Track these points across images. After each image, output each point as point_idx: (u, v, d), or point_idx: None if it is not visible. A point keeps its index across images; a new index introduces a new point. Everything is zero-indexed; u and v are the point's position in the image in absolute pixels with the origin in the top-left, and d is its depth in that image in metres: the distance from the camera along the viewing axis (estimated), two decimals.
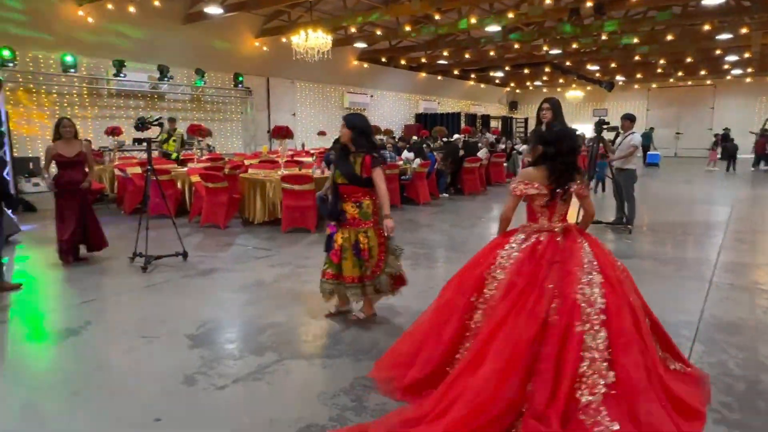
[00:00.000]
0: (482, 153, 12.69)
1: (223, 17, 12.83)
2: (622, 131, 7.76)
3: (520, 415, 2.51)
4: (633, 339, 2.59)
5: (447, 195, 11.39)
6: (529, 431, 2.41)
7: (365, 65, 19.47)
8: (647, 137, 20.05)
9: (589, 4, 11.61)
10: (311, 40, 11.99)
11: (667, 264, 5.82)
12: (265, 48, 15.47)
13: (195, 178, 8.33)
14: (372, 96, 21.18)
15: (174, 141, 10.55)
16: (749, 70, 22.04)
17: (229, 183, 8.05)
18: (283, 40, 14.37)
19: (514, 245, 2.92)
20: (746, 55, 18.39)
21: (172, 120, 11.00)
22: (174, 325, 3.98)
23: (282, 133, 8.47)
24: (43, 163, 6.29)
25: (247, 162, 10.15)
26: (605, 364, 2.51)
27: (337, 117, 19.76)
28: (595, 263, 2.76)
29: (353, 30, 15.34)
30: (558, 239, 2.89)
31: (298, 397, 2.97)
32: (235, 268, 5.69)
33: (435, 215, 9.11)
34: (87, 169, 5.75)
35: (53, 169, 5.68)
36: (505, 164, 14.15)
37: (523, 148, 16.38)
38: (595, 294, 2.64)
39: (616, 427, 2.38)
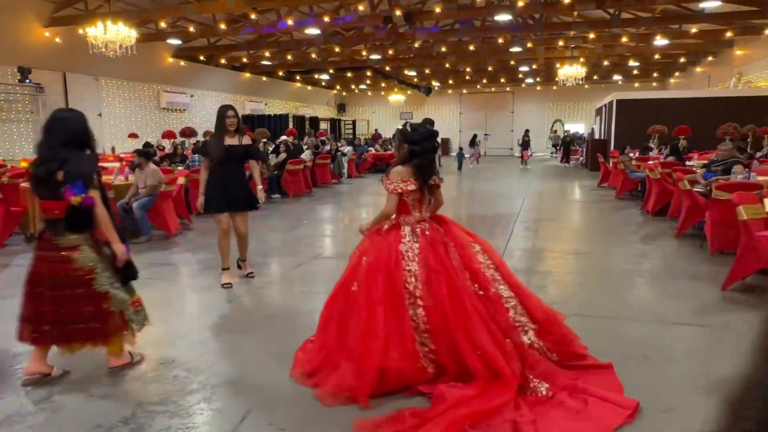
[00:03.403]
0: (306, 155, 12.73)
1: None
2: None
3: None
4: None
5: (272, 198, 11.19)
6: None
7: (182, 63, 18.28)
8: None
9: (398, 12, 12.33)
10: (111, 33, 10.85)
11: None
12: (57, 39, 13.62)
13: None
14: (192, 96, 19.99)
15: None
16: (538, 79, 25.45)
17: (7, 194, 6.93)
18: (80, 31, 12.81)
19: (408, 238, 3.13)
20: (534, 66, 21.20)
21: None
22: None
23: None
24: None
25: None
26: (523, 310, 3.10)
27: (153, 117, 18.28)
28: (469, 238, 3.27)
29: (164, 25, 14.27)
30: (435, 225, 3.23)
31: None
32: (13, 294, 4.88)
33: (256, 219, 8.85)
34: None
35: None
36: (330, 165, 14.36)
37: (347, 149, 16.86)
38: (487, 261, 3.18)
39: None
